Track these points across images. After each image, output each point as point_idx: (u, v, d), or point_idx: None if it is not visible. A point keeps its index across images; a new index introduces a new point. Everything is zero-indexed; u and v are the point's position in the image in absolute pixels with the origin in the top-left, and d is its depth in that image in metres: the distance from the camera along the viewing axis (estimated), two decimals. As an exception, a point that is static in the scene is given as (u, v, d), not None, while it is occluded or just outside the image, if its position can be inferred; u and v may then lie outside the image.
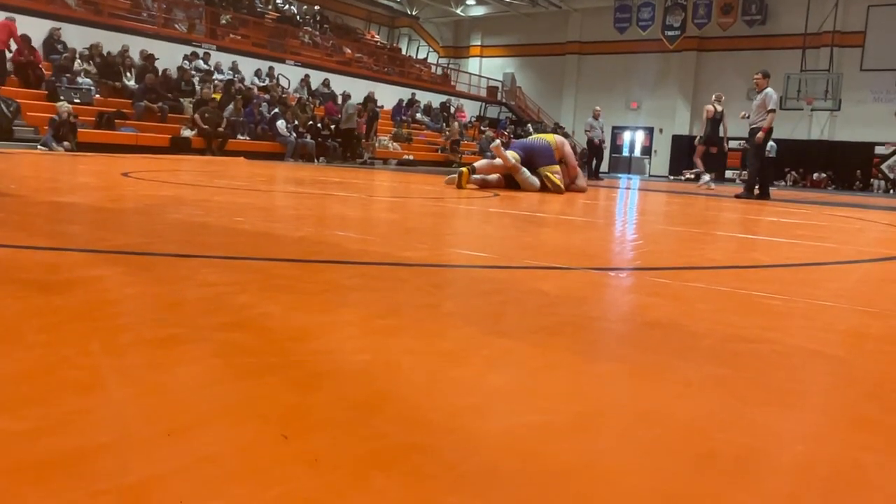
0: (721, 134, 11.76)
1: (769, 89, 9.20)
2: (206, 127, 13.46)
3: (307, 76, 18.99)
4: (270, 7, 22.00)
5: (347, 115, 16.28)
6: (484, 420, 0.87)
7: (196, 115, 13.47)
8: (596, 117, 15.44)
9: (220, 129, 13.66)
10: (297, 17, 22.25)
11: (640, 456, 0.80)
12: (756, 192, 9.43)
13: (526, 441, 0.82)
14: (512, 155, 7.22)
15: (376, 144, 17.59)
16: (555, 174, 7.19)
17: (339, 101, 18.04)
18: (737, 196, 9.33)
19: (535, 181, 7.18)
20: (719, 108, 11.87)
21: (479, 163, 7.52)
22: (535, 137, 8.32)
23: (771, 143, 12.05)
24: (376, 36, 27.79)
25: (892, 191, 21.03)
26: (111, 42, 14.40)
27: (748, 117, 9.54)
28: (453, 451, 0.77)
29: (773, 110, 9.05)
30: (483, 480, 0.71)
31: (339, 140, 16.34)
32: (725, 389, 1.06)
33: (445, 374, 1.05)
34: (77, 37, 13.93)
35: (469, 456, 0.76)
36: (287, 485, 0.67)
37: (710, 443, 0.85)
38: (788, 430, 0.91)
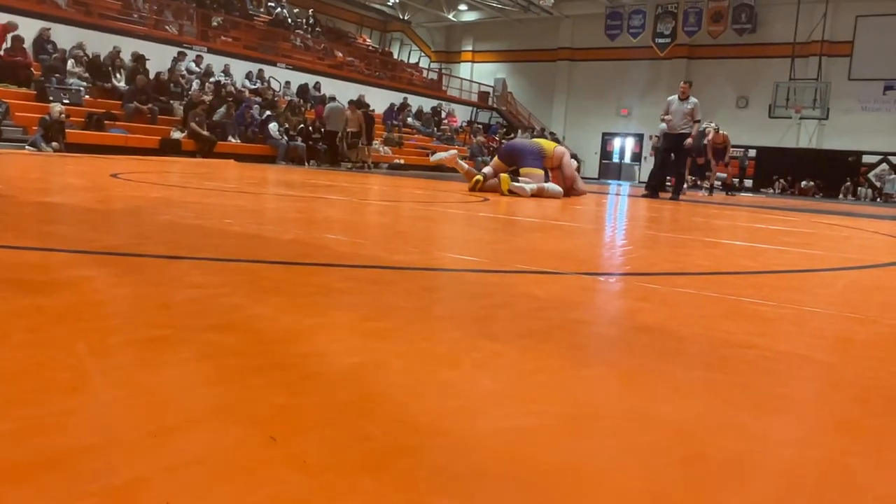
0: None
1: (694, 98, 9.76)
2: (206, 133, 13.38)
3: (306, 83, 18.96)
4: (262, 10, 21.99)
5: (333, 117, 15.88)
6: (473, 423, 0.87)
7: (193, 124, 13.37)
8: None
9: (204, 133, 13.57)
10: (289, 21, 22.23)
11: (628, 459, 0.80)
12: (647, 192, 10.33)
13: (515, 444, 0.82)
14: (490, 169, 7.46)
15: (367, 150, 17.54)
16: (518, 179, 7.12)
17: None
18: (642, 196, 10.30)
19: (557, 187, 7.27)
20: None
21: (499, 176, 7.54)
22: (529, 140, 8.47)
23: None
24: (368, 40, 27.83)
25: (878, 199, 21.22)
26: (101, 43, 14.32)
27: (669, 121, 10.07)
28: (442, 454, 0.77)
29: (698, 120, 9.66)
30: (472, 483, 0.71)
31: (326, 143, 16.02)
32: (714, 393, 1.06)
33: (435, 376, 1.05)
34: (67, 37, 13.85)
35: (458, 458, 0.76)
36: (275, 487, 0.67)
37: (698, 446, 0.85)
38: (776, 433, 0.92)
